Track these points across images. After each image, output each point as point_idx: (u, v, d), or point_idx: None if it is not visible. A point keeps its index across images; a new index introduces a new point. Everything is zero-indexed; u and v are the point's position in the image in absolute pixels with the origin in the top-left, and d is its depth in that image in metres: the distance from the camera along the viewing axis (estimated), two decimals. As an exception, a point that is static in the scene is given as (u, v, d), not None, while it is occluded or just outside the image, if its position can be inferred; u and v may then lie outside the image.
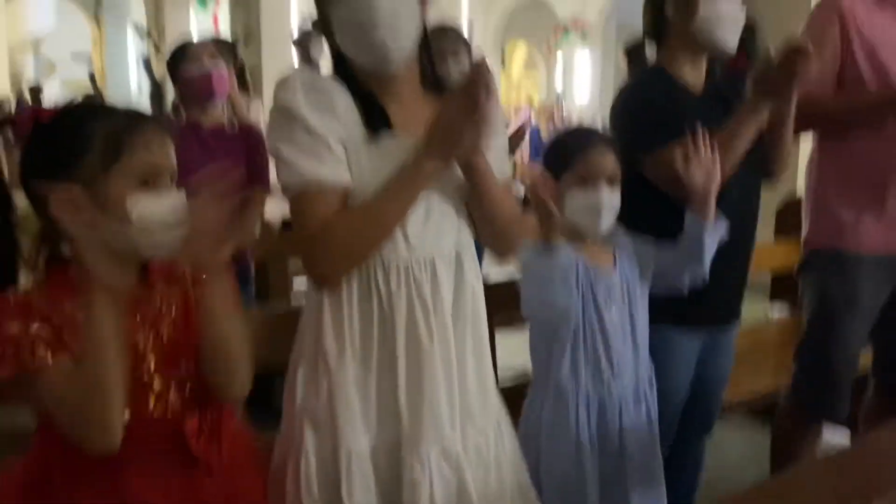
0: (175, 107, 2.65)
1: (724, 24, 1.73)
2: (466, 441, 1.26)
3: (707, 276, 1.67)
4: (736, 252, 1.80)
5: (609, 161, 1.60)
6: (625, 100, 1.84)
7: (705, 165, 1.57)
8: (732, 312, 1.92)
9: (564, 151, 1.61)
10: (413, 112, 1.24)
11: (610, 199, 1.58)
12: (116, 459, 1.04)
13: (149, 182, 1.06)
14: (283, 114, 1.17)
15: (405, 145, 1.18)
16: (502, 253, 1.36)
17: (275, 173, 1.22)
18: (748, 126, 1.67)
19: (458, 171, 1.25)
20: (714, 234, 1.63)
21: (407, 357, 1.21)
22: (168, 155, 1.10)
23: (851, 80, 1.95)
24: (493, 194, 1.26)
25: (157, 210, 1.04)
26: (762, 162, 1.82)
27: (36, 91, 11.31)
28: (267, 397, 2.97)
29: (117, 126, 1.06)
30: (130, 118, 1.09)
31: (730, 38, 1.75)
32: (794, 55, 1.58)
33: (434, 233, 1.24)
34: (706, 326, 1.86)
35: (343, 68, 1.25)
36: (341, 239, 1.15)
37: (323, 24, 1.24)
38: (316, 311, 1.24)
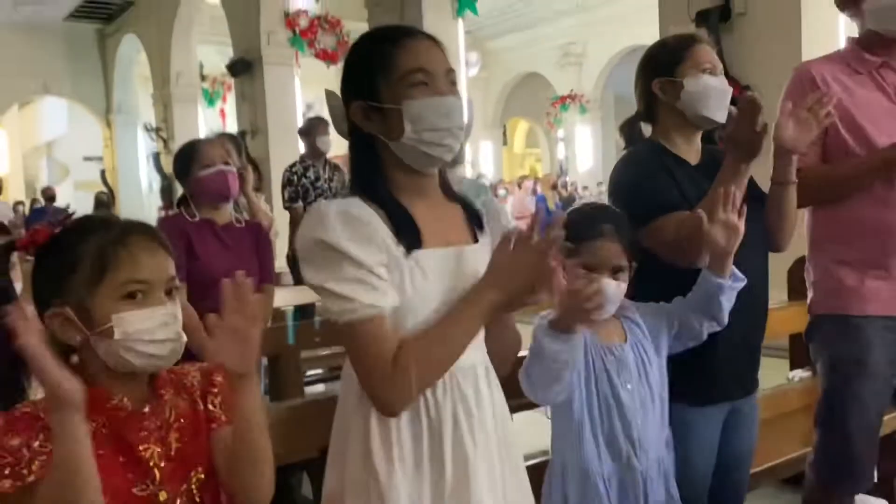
0: (182, 200, 2.68)
1: (710, 98, 1.77)
2: None
3: (724, 321, 1.65)
4: (748, 325, 1.78)
5: (614, 252, 1.60)
6: (621, 172, 1.87)
7: (729, 225, 1.56)
8: (750, 384, 1.89)
9: (570, 237, 1.59)
10: (438, 215, 1.29)
11: (614, 291, 1.58)
12: None
13: (136, 296, 1.06)
14: (326, 249, 1.17)
15: (440, 256, 1.23)
16: (503, 372, 1.38)
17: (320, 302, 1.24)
18: (730, 184, 1.66)
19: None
20: (731, 289, 1.62)
21: (454, 466, 1.21)
22: (159, 266, 1.09)
23: (835, 149, 1.97)
24: (514, 326, 1.34)
25: (142, 326, 1.05)
26: (767, 237, 1.84)
27: (48, 193, 11.57)
28: (284, 492, 2.93)
29: (102, 243, 1.07)
30: (117, 233, 1.09)
31: (718, 111, 1.79)
32: (749, 108, 1.60)
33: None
34: (725, 402, 1.83)
35: (370, 160, 1.27)
36: (413, 373, 1.17)
37: (365, 111, 1.25)
38: (361, 431, 1.22)
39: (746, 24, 5.04)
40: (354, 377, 1.21)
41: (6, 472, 0.98)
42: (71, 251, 1.08)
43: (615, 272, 1.60)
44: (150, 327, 1.05)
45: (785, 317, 2.85)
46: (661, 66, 1.83)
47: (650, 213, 1.72)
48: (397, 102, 1.21)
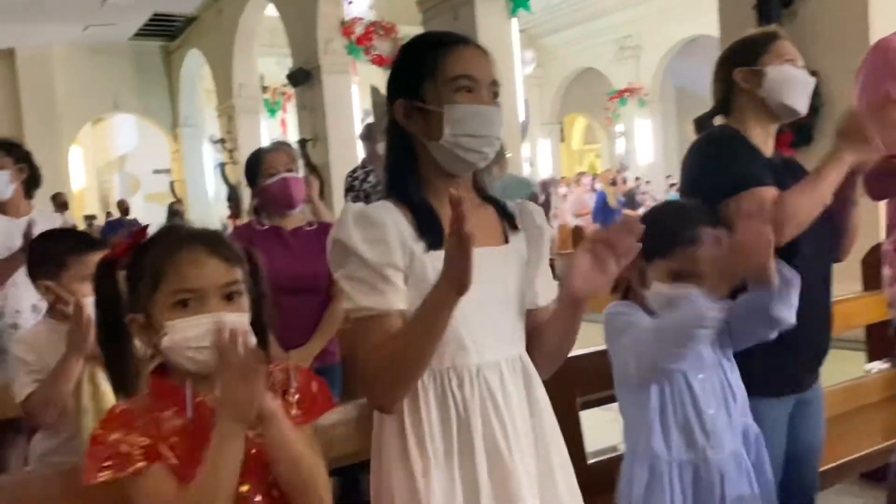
0: (256, 209, 2.75)
1: (793, 87, 1.76)
2: None
3: (793, 322, 1.59)
4: (813, 315, 1.74)
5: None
6: (698, 152, 1.84)
7: (756, 238, 1.48)
8: (815, 375, 1.85)
9: (664, 237, 1.55)
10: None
11: (704, 303, 1.52)
12: None
13: (188, 304, 1.12)
14: (340, 248, 1.23)
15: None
16: (550, 372, 1.37)
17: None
18: (831, 171, 1.64)
19: (515, 279, 1.31)
20: (782, 296, 1.55)
21: (489, 464, 1.22)
22: (209, 274, 1.13)
23: None
24: (579, 323, 1.29)
25: (187, 334, 1.10)
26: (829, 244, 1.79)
27: (123, 206, 12.00)
28: (354, 488, 2.97)
29: (156, 256, 1.14)
30: (169, 246, 1.15)
31: (800, 100, 1.77)
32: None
33: (498, 337, 1.27)
34: (792, 394, 1.79)
35: (406, 159, 1.30)
36: (382, 371, 1.20)
37: (407, 109, 1.28)
38: (396, 428, 1.25)
39: (809, 9, 4.90)
40: None
41: (106, 464, 1.06)
42: (138, 264, 1.16)
43: (702, 279, 1.53)
44: (196, 335, 1.10)
45: (860, 307, 2.76)
46: (744, 57, 1.81)
47: (737, 185, 1.69)
48: (440, 105, 1.25)
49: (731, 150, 1.76)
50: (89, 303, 1.78)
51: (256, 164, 2.67)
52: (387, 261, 1.21)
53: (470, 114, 1.24)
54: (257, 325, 1.19)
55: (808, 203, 1.65)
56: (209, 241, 1.16)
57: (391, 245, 1.22)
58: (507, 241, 1.33)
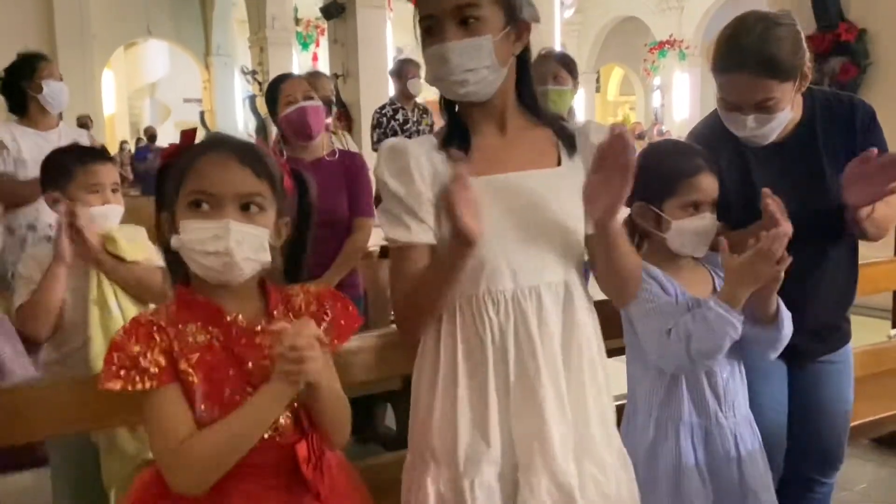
0: (280, 138, 2.70)
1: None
2: (583, 473, 1.24)
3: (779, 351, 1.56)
4: (822, 302, 1.70)
5: (714, 185, 1.54)
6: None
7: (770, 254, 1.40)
8: (826, 348, 1.79)
9: (667, 177, 1.54)
10: (511, 138, 1.31)
11: (715, 224, 1.55)
12: (224, 480, 1.09)
13: (202, 206, 1.10)
14: (379, 183, 1.29)
15: (485, 182, 1.22)
16: (620, 303, 1.41)
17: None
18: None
19: (567, 202, 1.27)
20: (769, 341, 1.51)
21: (516, 386, 1.24)
22: (229, 180, 1.10)
23: None
24: (622, 251, 1.27)
25: (194, 236, 1.09)
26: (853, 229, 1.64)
27: (149, 132, 12.06)
28: (368, 422, 3.02)
29: (187, 157, 1.14)
30: (200, 148, 1.15)
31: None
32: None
33: (538, 262, 1.26)
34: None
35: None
36: (402, 302, 1.29)
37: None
38: (432, 344, 1.28)
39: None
40: None
41: (121, 373, 1.06)
42: (173, 164, 1.16)
43: (714, 206, 1.55)
44: (202, 238, 1.08)
45: (888, 272, 2.69)
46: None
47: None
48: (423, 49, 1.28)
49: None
50: (88, 213, 1.81)
51: (275, 94, 2.59)
52: (410, 190, 1.24)
53: (429, 56, 1.26)
54: (295, 248, 1.22)
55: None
56: (240, 149, 1.15)
57: (413, 173, 1.24)
58: (559, 164, 1.31)
